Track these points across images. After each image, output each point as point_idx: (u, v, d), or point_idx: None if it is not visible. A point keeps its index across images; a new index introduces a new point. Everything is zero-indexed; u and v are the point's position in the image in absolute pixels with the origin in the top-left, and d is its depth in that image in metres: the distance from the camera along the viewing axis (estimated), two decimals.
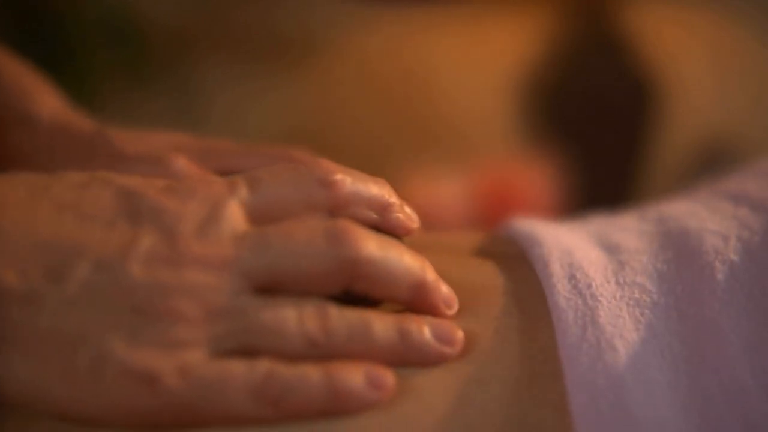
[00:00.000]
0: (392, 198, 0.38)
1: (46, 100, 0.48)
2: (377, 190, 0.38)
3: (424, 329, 0.35)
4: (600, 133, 1.39)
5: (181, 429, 0.32)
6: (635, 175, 1.42)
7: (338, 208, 0.36)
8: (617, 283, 0.38)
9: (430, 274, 0.36)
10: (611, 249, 0.41)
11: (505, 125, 1.47)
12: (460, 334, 0.36)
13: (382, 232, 0.37)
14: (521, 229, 0.43)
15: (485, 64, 1.50)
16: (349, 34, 1.49)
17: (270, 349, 0.33)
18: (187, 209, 0.34)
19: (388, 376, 0.33)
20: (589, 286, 0.38)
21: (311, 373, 0.33)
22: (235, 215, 0.34)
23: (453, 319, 0.37)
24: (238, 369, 0.32)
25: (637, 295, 0.37)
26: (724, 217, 0.41)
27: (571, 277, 0.38)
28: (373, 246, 0.35)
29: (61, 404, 0.31)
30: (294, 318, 0.33)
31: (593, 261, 0.39)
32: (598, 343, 0.35)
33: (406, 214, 0.38)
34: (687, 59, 1.48)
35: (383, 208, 0.38)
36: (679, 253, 0.39)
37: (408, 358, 0.35)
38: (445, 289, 0.37)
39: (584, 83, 1.39)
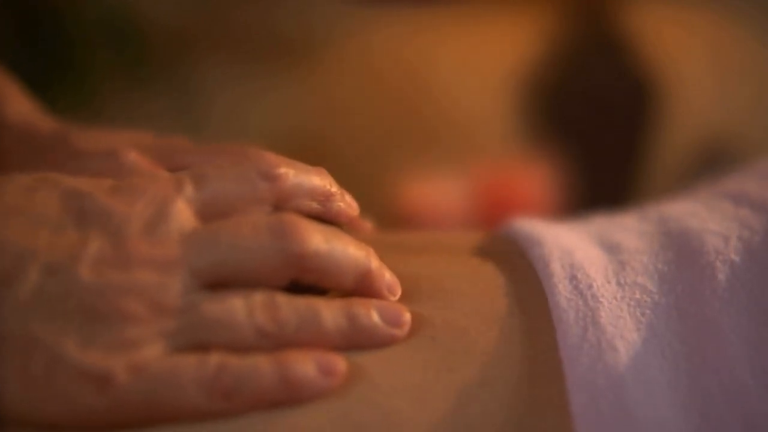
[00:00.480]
0: (333, 187, 0.39)
1: (13, 103, 0.48)
2: (319, 180, 0.38)
3: (372, 313, 0.36)
4: (600, 133, 1.39)
5: (139, 428, 0.32)
6: (635, 175, 1.42)
7: (282, 200, 0.37)
8: (618, 283, 0.38)
9: (375, 262, 0.37)
10: (612, 249, 0.41)
11: (505, 125, 1.47)
12: (407, 316, 0.36)
13: (325, 222, 0.38)
14: (521, 229, 0.44)
15: (485, 64, 1.50)
16: (349, 34, 1.49)
17: (221, 343, 0.33)
18: (134, 210, 0.34)
19: (339, 362, 0.34)
20: (590, 286, 0.38)
21: (263, 364, 0.33)
22: (181, 213, 0.35)
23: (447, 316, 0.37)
24: (189, 364, 0.33)
25: (638, 296, 0.37)
26: (724, 217, 0.41)
27: (572, 278, 0.38)
28: (318, 238, 0.35)
29: (21, 409, 0.32)
30: (243, 310, 0.34)
31: (594, 261, 0.39)
32: (599, 344, 0.35)
33: (347, 203, 0.39)
34: (687, 59, 1.48)
35: (325, 198, 0.39)
36: (680, 253, 0.39)
37: (359, 342, 0.35)
38: (388, 275, 0.38)
39: (584, 83, 1.39)
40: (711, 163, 1.41)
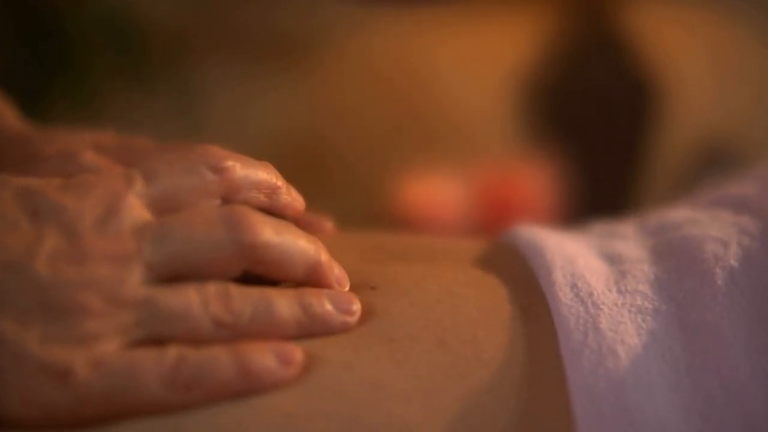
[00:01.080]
0: (279, 181, 0.39)
1: None
2: (265, 174, 0.39)
3: (324, 301, 0.36)
4: (600, 133, 1.39)
5: (102, 423, 0.33)
6: (635, 174, 1.42)
7: (231, 192, 0.37)
8: (619, 291, 0.39)
9: (324, 255, 0.38)
10: (612, 259, 0.41)
11: (505, 125, 1.47)
12: (358, 304, 0.37)
13: (273, 215, 0.38)
14: (524, 237, 0.44)
15: (485, 64, 1.50)
16: (349, 34, 1.49)
17: (179, 335, 0.34)
18: (86, 205, 0.34)
19: (296, 352, 0.34)
20: (591, 294, 0.38)
21: (221, 355, 0.33)
22: (133, 208, 0.35)
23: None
24: (147, 357, 0.33)
25: (638, 302, 0.38)
26: (724, 223, 0.41)
27: (573, 286, 0.39)
28: (269, 230, 0.36)
29: None
30: (197, 301, 0.34)
31: (595, 270, 0.40)
32: (600, 349, 0.36)
33: (293, 197, 0.40)
34: (687, 59, 1.48)
35: (272, 191, 0.39)
36: (680, 260, 0.39)
37: (313, 330, 0.36)
38: (337, 269, 0.38)
39: (584, 83, 1.39)
40: (711, 163, 1.41)
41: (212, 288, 0.34)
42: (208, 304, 0.34)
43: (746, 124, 1.50)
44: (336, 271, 0.38)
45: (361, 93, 1.51)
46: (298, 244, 0.37)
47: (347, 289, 0.38)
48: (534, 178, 1.34)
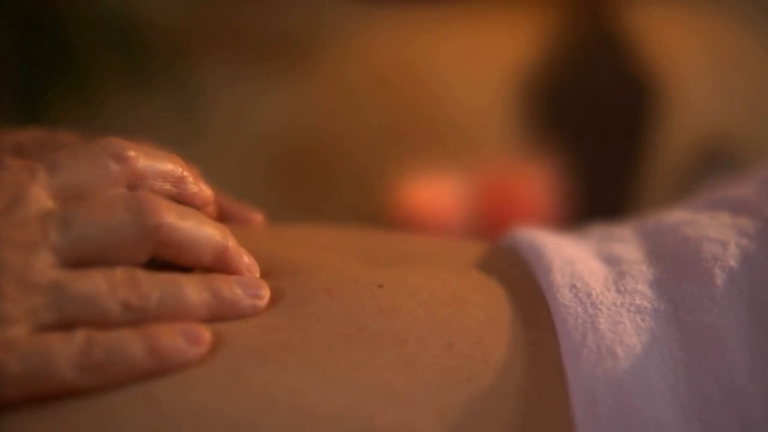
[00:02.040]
0: (186, 171, 0.39)
1: None
2: (171, 164, 0.39)
3: (233, 285, 0.37)
4: (600, 133, 1.39)
5: (22, 407, 0.33)
6: (635, 174, 1.42)
7: (135, 181, 0.38)
8: (617, 291, 0.39)
9: (232, 241, 0.38)
10: (611, 260, 0.41)
11: (505, 125, 1.47)
12: (266, 289, 0.37)
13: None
14: (523, 239, 0.44)
15: (486, 64, 1.50)
16: (350, 34, 1.50)
17: (88, 319, 0.34)
18: None
19: (204, 331, 0.35)
20: (589, 294, 0.38)
21: (130, 337, 0.34)
22: (38, 197, 0.36)
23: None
24: (57, 340, 0.33)
25: (637, 302, 0.38)
26: (722, 224, 0.41)
27: (572, 287, 0.39)
28: (173, 214, 0.36)
29: None
30: (105, 285, 0.34)
31: (594, 272, 0.40)
32: (598, 349, 0.36)
33: (200, 187, 0.40)
34: (687, 59, 1.48)
35: (178, 180, 0.39)
36: (678, 261, 0.40)
37: (222, 314, 0.36)
38: (246, 256, 0.38)
39: (584, 83, 1.39)
40: (711, 163, 1.41)
41: (119, 273, 0.35)
42: (116, 288, 0.35)
43: (746, 124, 1.50)
44: (245, 258, 0.38)
45: (361, 93, 1.52)
46: (203, 229, 0.37)
47: (257, 276, 0.38)
48: (534, 178, 1.34)
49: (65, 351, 0.33)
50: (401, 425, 0.34)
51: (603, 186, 1.38)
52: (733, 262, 0.38)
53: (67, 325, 0.34)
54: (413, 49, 1.50)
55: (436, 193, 1.34)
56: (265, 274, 0.39)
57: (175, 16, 1.44)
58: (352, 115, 1.51)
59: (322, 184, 1.49)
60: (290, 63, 1.47)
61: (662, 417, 0.34)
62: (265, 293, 0.37)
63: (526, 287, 0.40)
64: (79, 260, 0.35)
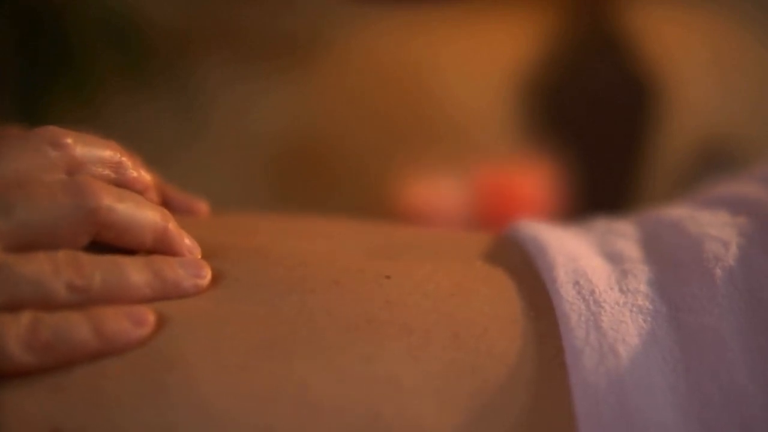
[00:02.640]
0: (124, 157, 0.40)
1: None
2: (109, 150, 0.40)
3: (175, 265, 0.38)
4: (600, 133, 1.39)
5: None
6: (635, 174, 1.42)
7: (74, 167, 0.38)
8: (620, 290, 0.39)
9: (172, 223, 0.39)
10: (613, 258, 0.41)
11: (505, 125, 1.47)
12: (208, 269, 0.38)
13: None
14: (526, 232, 0.44)
15: (486, 65, 1.50)
16: (350, 34, 1.50)
17: (34, 301, 0.35)
18: None
19: (149, 313, 0.35)
20: (593, 292, 0.38)
21: (75, 318, 0.35)
22: None
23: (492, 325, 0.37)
24: (4, 321, 0.34)
25: (640, 302, 0.38)
26: (724, 223, 0.41)
27: (575, 283, 0.39)
28: (112, 196, 0.37)
29: None
30: (50, 267, 0.35)
31: (597, 269, 0.40)
32: (601, 348, 0.36)
33: (139, 173, 0.41)
34: (687, 59, 1.48)
35: (117, 166, 0.40)
36: (680, 260, 0.40)
37: (165, 293, 0.37)
38: (188, 238, 0.39)
39: (584, 83, 1.39)
40: (711, 163, 1.41)
41: (62, 255, 0.35)
42: (60, 269, 0.35)
43: (746, 124, 1.50)
44: (186, 241, 0.39)
45: (361, 93, 1.52)
46: (143, 210, 0.38)
47: (199, 257, 0.39)
48: (534, 178, 1.34)
49: (13, 331, 0.33)
50: (407, 417, 0.34)
51: (603, 186, 1.38)
52: (733, 262, 0.38)
53: (13, 307, 0.34)
54: (413, 49, 1.50)
55: (436, 192, 1.34)
56: (271, 264, 0.39)
57: (175, 16, 1.44)
58: (352, 115, 1.51)
59: (322, 183, 1.49)
60: (290, 63, 1.48)
61: (663, 416, 0.34)
62: (207, 273, 0.38)
63: (529, 281, 0.40)
64: (21, 245, 0.35)
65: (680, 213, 0.44)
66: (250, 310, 0.37)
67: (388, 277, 0.39)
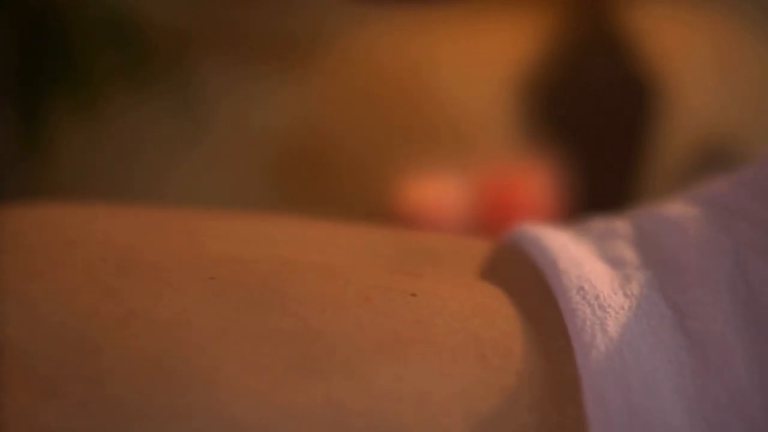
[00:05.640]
0: None
1: None
2: None
3: None
4: (600, 133, 1.39)
5: None
6: (635, 174, 1.42)
7: None
8: (624, 295, 0.39)
9: None
10: (615, 262, 0.41)
11: (505, 125, 1.47)
12: None
13: None
14: (529, 236, 0.44)
15: (486, 65, 1.50)
16: (350, 35, 1.50)
17: None
18: None
19: None
20: (597, 296, 0.38)
21: None
22: None
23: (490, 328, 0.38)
24: None
25: (644, 307, 0.38)
26: (722, 226, 0.41)
27: (579, 288, 0.39)
28: None
29: None
30: None
31: (600, 274, 0.40)
32: (607, 350, 0.36)
33: None
34: (688, 59, 1.48)
35: None
36: (681, 263, 0.40)
37: None
38: None
39: (584, 83, 1.40)
40: (711, 163, 1.41)
41: None
42: None
43: (746, 124, 1.50)
44: None
45: (362, 93, 1.52)
46: None
47: None
48: (534, 178, 1.34)
49: None
50: None
51: (603, 185, 1.38)
52: (733, 265, 0.38)
53: None
54: (413, 49, 1.50)
55: (437, 192, 1.34)
56: (298, 279, 0.38)
57: (175, 16, 1.44)
58: (353, 116, 1.51)
59: (323, 184, 1.49)
60: (291, 63, 1.48)
61: (669, 420, 0.34)
62: None
63: (541, 293, 0.40)
64: None
65: (679, 212, 0.44)
66: (285, 326, 0.37)
67: (413, 294, 0.39)
